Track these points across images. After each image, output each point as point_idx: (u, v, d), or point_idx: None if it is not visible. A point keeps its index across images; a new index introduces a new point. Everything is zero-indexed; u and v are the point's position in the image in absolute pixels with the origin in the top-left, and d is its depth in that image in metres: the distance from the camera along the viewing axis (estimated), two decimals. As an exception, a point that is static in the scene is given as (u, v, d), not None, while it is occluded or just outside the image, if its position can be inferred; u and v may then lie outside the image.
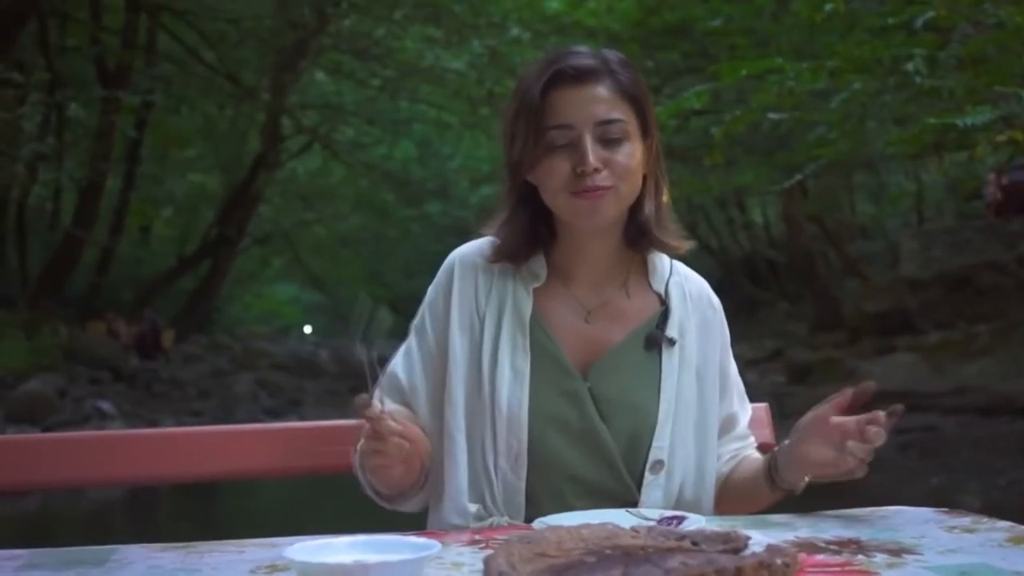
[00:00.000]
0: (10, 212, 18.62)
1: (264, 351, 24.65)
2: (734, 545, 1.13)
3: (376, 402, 1.44)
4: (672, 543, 1.13)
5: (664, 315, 1.69)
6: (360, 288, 37.15)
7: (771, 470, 1.58)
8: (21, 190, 18.14)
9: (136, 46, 18.44)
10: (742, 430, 1.76)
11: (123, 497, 9.41)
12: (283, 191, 26.81)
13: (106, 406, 14.38)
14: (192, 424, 14.59)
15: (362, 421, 1.45)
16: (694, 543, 1.13)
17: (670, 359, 1.66)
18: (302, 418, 16.35)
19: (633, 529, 1.18)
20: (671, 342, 1.67)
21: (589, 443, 1.61)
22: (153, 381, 17.32)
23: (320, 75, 22.12)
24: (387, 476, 1.52)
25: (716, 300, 1.76)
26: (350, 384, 21.41)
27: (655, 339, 1.66)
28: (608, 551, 1.10)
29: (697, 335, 1.70)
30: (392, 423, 1.44)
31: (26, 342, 15.81)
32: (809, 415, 1.52)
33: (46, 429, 12.67)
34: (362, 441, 1.48)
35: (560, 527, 1.17)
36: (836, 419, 1.48)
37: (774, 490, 1.58)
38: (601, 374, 1.64)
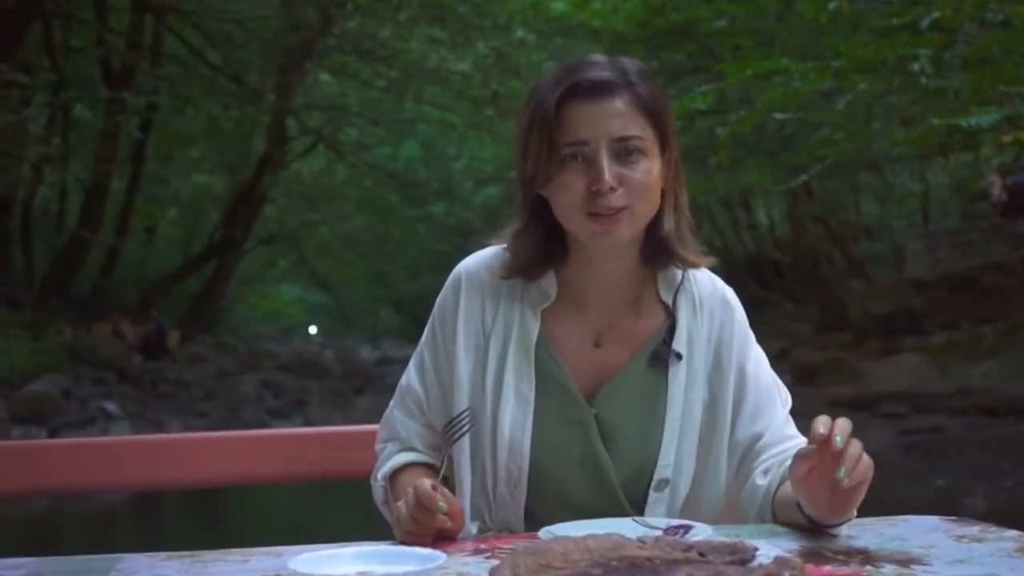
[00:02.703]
0: (16, 213, 18.61)
1: (269, 352, 24.64)
2: (741, 556, 1.12)
3: (427, 482, 1.43)
4: (679, 554, 1.12)
5: (671, 328, 1.64)
6: (364, 288, 37.24)
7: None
8: (27, 191, 18.16)
9: (141, 47, 18.43)
10: (775, 435, 1.63)
11: (129, 500, 9.41)
12: (288, 192, 26.80)
13: (111, 407, 14.38)
14: (197, 425, 14.63)
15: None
16: (701, 554, 1.13)
17: (676, 375, 1.62)
18: (307, 419, 16.42)
19: (639, 540, 1.17)
20: (677, 356, 1.62)
21: (590, 470, 1.58)
22: (158, 382, 17.30)
23: (325, 76, 22.09)
24: (416, 542, 1.44)
25: (731, 296, 1.70)
26: (355, 385, 21.45)
27: (660, 355, 1.62)
28: (614, 563, 1.09)
29: (708, 342, 1.65)
30: (443, 502, 1.40)
31: (31, 343, 15.81)
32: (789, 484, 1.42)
33: (51, 430, 12.68)
34: (403, 506, 1.44)
35: (566, 538, 1.17)
36: (801, 477, 1.38)
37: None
38: (608, 399, 1.61)
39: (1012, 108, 7.09)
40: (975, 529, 1.43)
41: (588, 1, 16.61)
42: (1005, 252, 16.89)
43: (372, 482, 1.71)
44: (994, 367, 13.40)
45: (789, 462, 1.53)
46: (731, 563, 1.10)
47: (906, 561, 1.25)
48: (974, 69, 7.23)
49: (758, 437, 1.62)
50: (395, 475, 1.65)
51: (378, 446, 1.73)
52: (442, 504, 1.40)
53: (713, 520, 1.61)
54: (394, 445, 1.69)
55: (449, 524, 1.43)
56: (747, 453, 1.63)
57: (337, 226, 30.91)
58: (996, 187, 17.90)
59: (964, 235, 18.42)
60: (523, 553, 1.11)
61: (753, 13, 12.56)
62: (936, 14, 7.10)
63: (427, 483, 1.42)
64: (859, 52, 7.78)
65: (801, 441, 1.62)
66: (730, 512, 1.64)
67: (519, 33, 16.61)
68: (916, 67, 7.08)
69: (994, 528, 1.42)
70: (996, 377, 13.06)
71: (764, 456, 1.61)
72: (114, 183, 19.30)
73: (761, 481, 1.57)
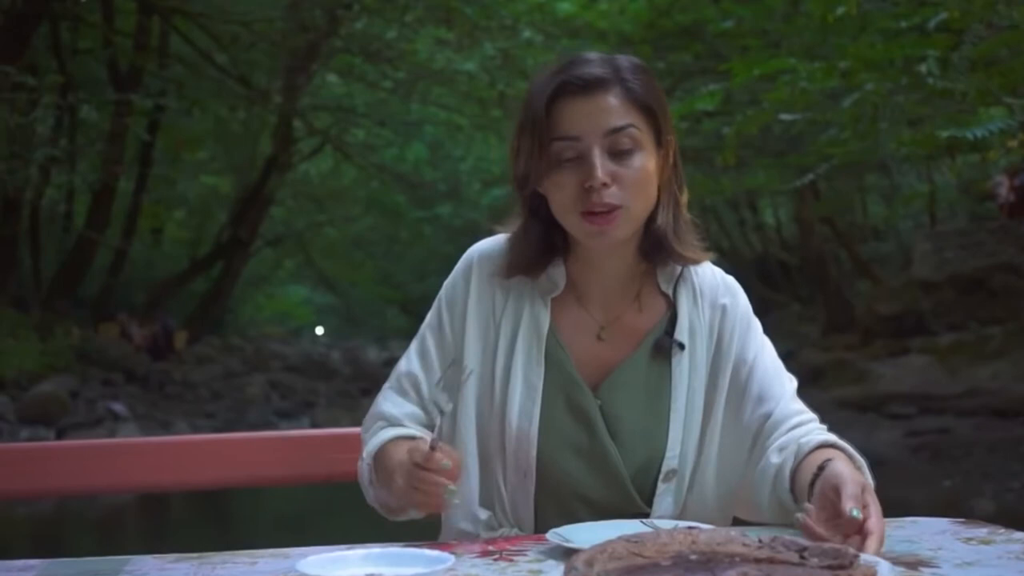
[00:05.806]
0: (23, 214, 18.63)
1: (276, 353, 24.68)
2: (840, 562, 1.09)
3: (425, 444, 1.39)
4: (788, 555, 1.09)
5: (672, 319, 1.64)
6: (372, 289, 37.25)
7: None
8: (34, 192, 18.18)
9: (148, 49, 18.47)
10: (783, 411, 1.60)
11: (136, 501, 9.42)
12: (295, 193, 26.80)
13: (119, 407, 14.41)
14: (204, 425, 14.66)
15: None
16: (802, 556, 1.09)
17: (680, 364, 1.61)
18: (314, 420, 16.43)
19: (747, 537, 1.13)
20: (680, 346, 1.62)
21: (598, 462, 1.58)
22: (166, 383, 17.34)
23: (331, 77, 22.13)
24: (423, 508, 1.42)
25: (733, 283, 1.68)
26: (362, 386, 21.45)
27: (663, 345, 1.62)
28: (692, 556, 1.07)
29: (710, 330, 1.64)
30: (444, 460, 1.36)
31: (39, 344, 15.84)
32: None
33: (59, 430, 12.72)
34: (400, 478, 1.42)
35: (677, 530, 1.14)
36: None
37: None
38: (612, 391, 1.60)
39: (1021, 114, 7.06)
40: (983, 531, 1.42)
41: (594, 2, 16.63)
42: (1013, 253, 16.85)
43: (360, 465, 1.65)
44: (1002, 368, 13.37)
45: (804, 439, 1.52)
46: (827, 567, 1.07)
47: (914, 563, 1.25)
48: (981, 70, 7.21)
49: (767, 416, 1.61)
50: (380, 453, 1.58)
51: (364, 433, 1.67)
52: (446, 462, 1.35)
53: (722, 508, 1.61)
54: (380, 423, 1.64)
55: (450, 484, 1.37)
56: (759, 433, 1.61)
57: (344, 227, 30.92)
58: (1004, 188, 17.86)
59: (972, 236, 18.37)
60: (619, 540, 1.09)
61: (760, 14, 12.55)
62: (944, 15, 7.09)
63: (423, 446, 1.38)
64: (866, 52, 7.76)
65: (808, 416, 1.61)
66: (743, 499, 1.61)
67: (526, 34, 16.65)
68: (923, 68, 7.06)
69: (1002, 530, 1.42)
70: (1004, 378, 13.03)
71: (776, 433, 1.59)
72: (121, 184, 19.35)
73: (775, 459, 1.54)
